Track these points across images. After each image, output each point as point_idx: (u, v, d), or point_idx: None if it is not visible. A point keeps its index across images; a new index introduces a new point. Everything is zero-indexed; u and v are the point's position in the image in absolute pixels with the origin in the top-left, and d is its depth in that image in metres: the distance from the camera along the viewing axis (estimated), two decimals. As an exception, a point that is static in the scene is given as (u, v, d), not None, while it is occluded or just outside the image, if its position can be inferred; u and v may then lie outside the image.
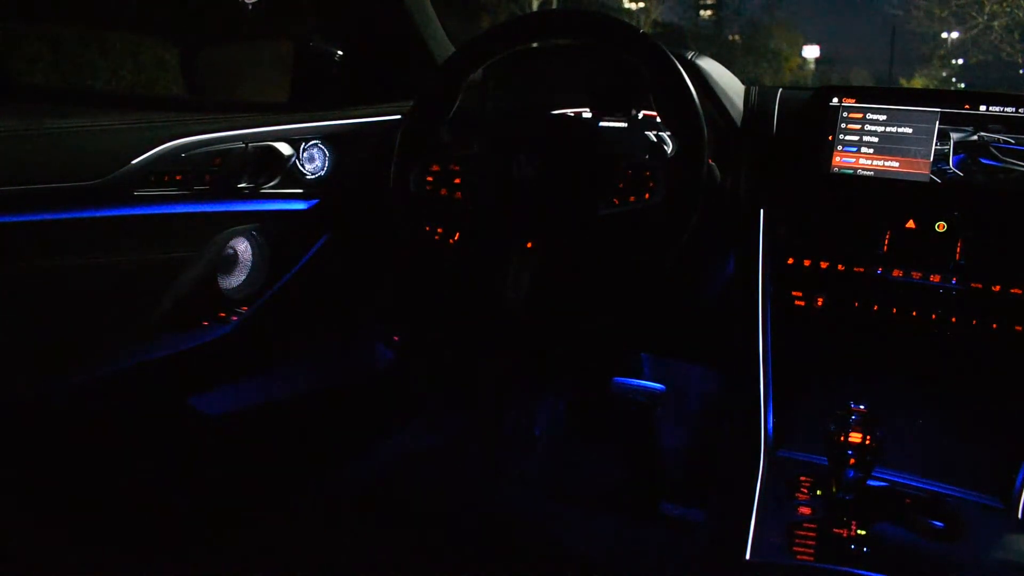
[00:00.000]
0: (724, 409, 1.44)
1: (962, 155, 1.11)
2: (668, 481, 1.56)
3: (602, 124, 1.37)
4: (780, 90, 1.28)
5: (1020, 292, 1.06)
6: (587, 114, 1.38)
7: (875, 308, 1.13)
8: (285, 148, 1.26)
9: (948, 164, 1.12)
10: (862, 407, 0.91)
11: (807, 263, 1.17)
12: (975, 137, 1.10)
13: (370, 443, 1.59)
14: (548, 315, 1.11)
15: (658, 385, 1.53)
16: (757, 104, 1.27)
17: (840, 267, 1.15)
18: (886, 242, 1.13)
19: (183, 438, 1.32)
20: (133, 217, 1.09)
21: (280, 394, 1.46)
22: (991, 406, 1.11)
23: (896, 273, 1.12)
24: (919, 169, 1.13)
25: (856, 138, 1.17)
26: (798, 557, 0.91)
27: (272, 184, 1.27)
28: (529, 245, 1.09)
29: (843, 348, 1.18)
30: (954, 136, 1.11)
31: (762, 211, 1.21)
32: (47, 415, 1.13)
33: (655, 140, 1.27)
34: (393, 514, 1.41)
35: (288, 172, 1.28)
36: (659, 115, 1.07)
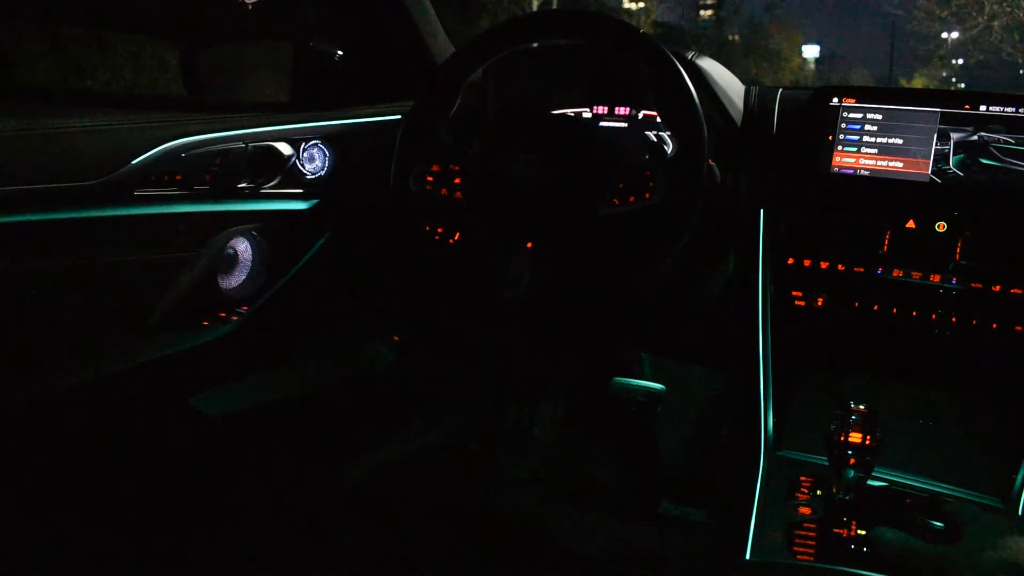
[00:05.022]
0: (724, 409, 1.44)
1: (962, 155, 1.11)
2: (668, 481, 1.56)
3: (602, 124, 1.37)
4: (780, 90, 1.28)
5: (1020, 292, 1.06)
6: (587, 114, 1.38)
7: (875, 308, 1.13)
8: (285, 148, 1.26)
9: (948, 164, 1.12)
10: (862, 407, 0.91)
11: (807, 263, 1.17)
12: (975, 137, 1.10)
13: (370, 443, 1.59)
14: (548, 315, 1.11)
15: (658, 385, 1.53)
16: (757, 104, 1.27)
17: (840, 267, 1.15)
18: (886, 242, 1.13)
19: (183, 438, 1.31)
20: (133, 217, 1.09)
21: (280, 394, 1.45)
22: (991, 406, 1.11)
23: (896, 273, 1.12)
24: (919, 169, 1.13)
25: (856, 138, 1.17)
26: (798, 557, 0.91)
27: (272, 184, 1.27)
28: (529, 245, 1.09)
29: (843, 348, 1.18)
30: (954, 136, 1.11)
31: (762, 211, 1.21)
32: (48, 415, 1.13)
33: (655, 140, 1.27)
34: (393, 514, 1.41)
35: (288, 172, 1.28)
36: (659, 115, 1.07)
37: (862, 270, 1.14)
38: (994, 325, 1.07)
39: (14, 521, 1.16)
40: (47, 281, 1.04)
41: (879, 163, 1.15)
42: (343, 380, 1.60)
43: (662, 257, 1.04)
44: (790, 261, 1.18)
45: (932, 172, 1.12)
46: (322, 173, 1.34)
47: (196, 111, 1.21)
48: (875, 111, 1.16)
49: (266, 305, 1.34)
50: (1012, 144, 1.09)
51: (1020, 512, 0.98)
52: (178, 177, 1.13)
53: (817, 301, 1.16)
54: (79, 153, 1.02)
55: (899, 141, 1.14)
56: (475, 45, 1.15)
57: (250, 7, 1.41)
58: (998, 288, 1.07)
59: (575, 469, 1.61)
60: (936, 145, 1.12)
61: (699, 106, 1.02)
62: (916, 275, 1.11)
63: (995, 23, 16.80)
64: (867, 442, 0.89)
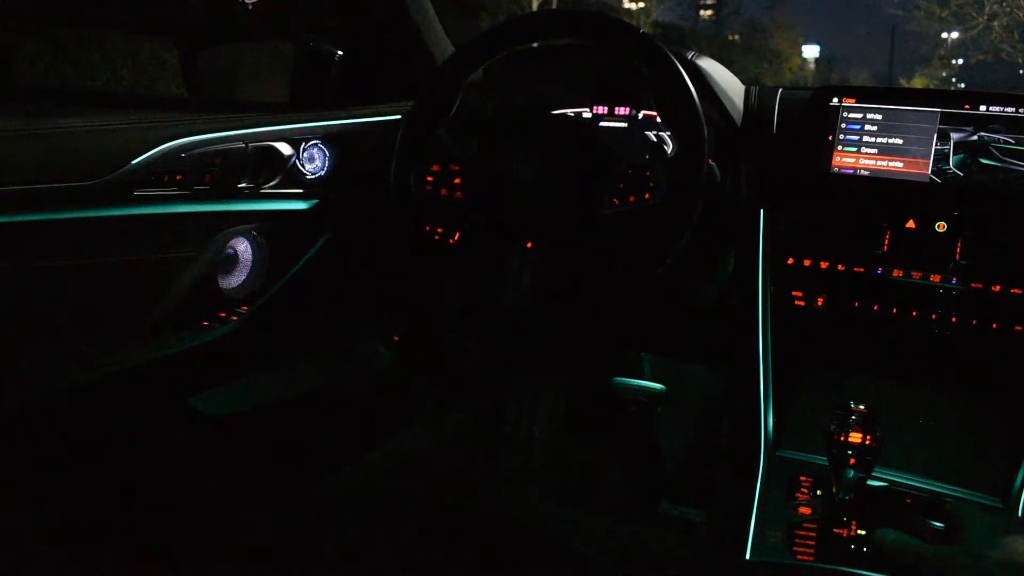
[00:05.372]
0: (724, 409, 1.44)
1: (962, 155, 1.11)
2: (668, 481, 1.56)
3: (602, 124, 1.37)
4: (780, 90, 1.28)
5: (1020, 292, 1.06)
6: (587, 114, 1.38)
7: (875, 308, 1.13)
8: (285, 148, 1.26)
9: (948, 164, 1.12)
10: (862, 407, 0.91)
11: (807, 263, 1.17)
12: (975, 137, 1.10)
13: (370, 443, 1.59)
14: (548, 315, 1.11)
15: (658, 385, 1.53)
16: (757, 104, 1.27)
17: (840, 267, 1.15)
18: (886, 242, 1.13)
19: (183, 438, 1.31)
20: (133, 217, 1.09)
21: (280, 394, 1.45)
22: (991, 406, 1.11)
23: (896, 273, 1.12)
24: (919, 169, 1.13)
25: (856, 138, 1.17)
26: (798, 557, 0.91)
27: (272, 184, 1.27)
28: (529, 245, 1.09)
29: (843, 348, 1.18)
30: (954, 136, 1.11)
31: (762, 211, 1.21)
32: (47, 415, 1.13)
33: (655, 140, 1.27)
34: (392, 514, 1.41)
35: (288, 172, 1.28)
36: (659, 115, 1.07)
37: (862, 270, 1.14)
38: (994, 325, 1.07)
39: (14, 521, 1.16)
40: (47, 281, 1.04)
41: (879, 163, 1.15)
42: (343, 380, 1.60)
43: (662, 257, 1.04)
44: (790, 261, 1.18)
45: (932, 172, 1.12)
46: (322, 173, 1.34)
47: (196, 111, 1.21)
48: (875, 111, 1.16)
49: (266, 305, 1.34)
50: (1012, 144, 1.09)
51: (1020, 512, 0.98)
52: (178, 177, 1.12)
53: (817, 301, 1.16)
54: (79, 153, 1.02)
55: (899, 141, 1.14)
56: (475, 45, 1.15)
57: (250, 7, 1.41)
58: (998, 288, 1.07)
59: (575, 469, 1.61)
60: (936, 145, 1.12)
61: (699, 106, 1.02)
62: (916, 275, 1.11)
63: (995, 23, 16.83)
64: (867, 442, 0.89)
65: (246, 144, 1.20)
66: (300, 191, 1.32)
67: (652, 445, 1.59)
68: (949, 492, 1.01)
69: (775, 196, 1.21)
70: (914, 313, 1.11)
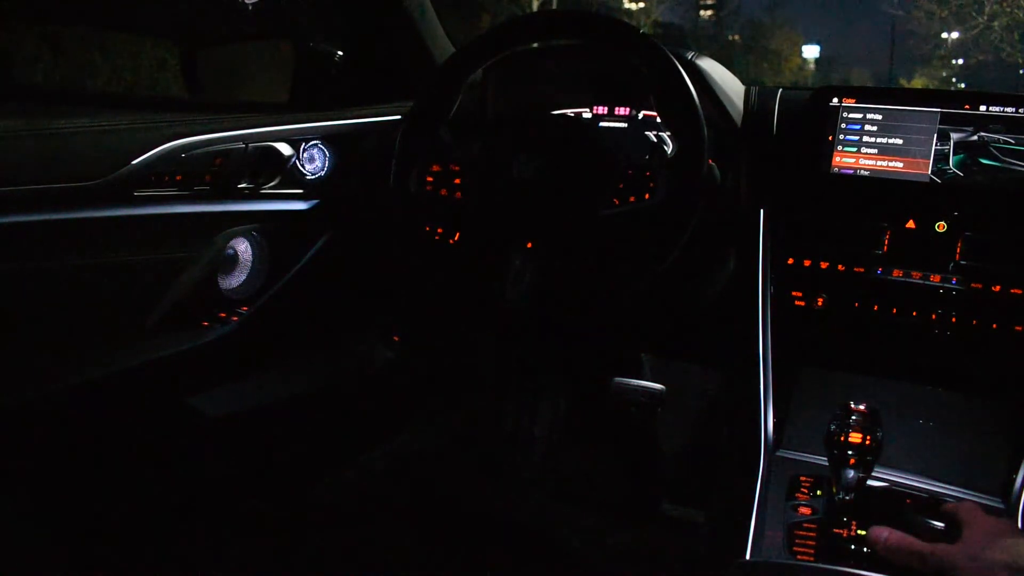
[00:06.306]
0: (724, 409, 1.44)
1: (962, 155, 1.11)
2: (668, 481, 1.56)
3: (602, 124, 1.37)
4: (780, 90, 1.28)
5: (1020, 292, 1.06)
6: (587, 114, 1.38)
7: (875, 308, 1.13)
8: (285, 148, 1.26)
9: (948, 164, 1.12)
10: (862, 407, 0.91)
11: (807, 263, 1.17)
12: (975, 137, 1.10)
13: (370, 443, 1.59)
14: (548, 315, 1.11)
15: (658, 385, 1.53)
16: (757, 104, 1.27)
17: (840, 267, 1.15)
18: (886, 242, 1.13)
19: (183, 438, 1.31)
20: (133, 217, 1.09)
21: (280, 394, 1.46)
22: (991, 406, 1.11)
23: (896, 273, 1.12)
24: (919, 169, 1.13)
25: (856, 138, 1.17)
26: (798, 557, 0.91)
27: (272, 184, 1.27)
28: (529, 245, 1.09)
29: (843, 348, 1.18)
30: (954, 136, 1.11)
31: (762, 211, 1.21)
32: (47, 415, 1.13)
33: (655, 140, 1.27)
34: (393, 514, 1.41)
35: (288, 172, 1.28)
36: (659, 115, 1.07)
37: (862, 270, 1.14)
38: (994, 325, 1.07)
39: (14, 521, 1.16)
40: (47, 281, 1.04)
41: (879, 163, 1.15)
42: (343, 380, 1.60)
43: (662, 257, 1.04)
44: (790, 261, 1.18)
45: (932, 172, 1.12)
46: (322, 173, 1.34)
47: (196, 111, 1.22)
48: (875, 111, 1.16)
49: (266, 305, 1.34)
50: (1012, 144, 1.09)
51: (1020, 513, 0.98)
52: (178, 177, 1.13)
53: (817, 301, 1.16)
54: (79, 153, 1.02)
55: (899, 141, 1.14)
56: (475, 45, 1.15)
57: (250, 7, 1.41)
58: (998, 288, 1.07)
59: (575, 469, 1.61)
60: (936, 145, 1.12)
61: (699, 106, 1.02)
62: (916, 275, 1.11)
63: (995, 23, 16.85)
64: (867, 442, 0.89)
65: (246, 144, 1.20)
66: (300, 191, 1.32)
67: (652, 445, 1.59)
68: (949, 492, 1.01)
69: (775, 196, 1.21)
70: (914, 313, 1.11)
